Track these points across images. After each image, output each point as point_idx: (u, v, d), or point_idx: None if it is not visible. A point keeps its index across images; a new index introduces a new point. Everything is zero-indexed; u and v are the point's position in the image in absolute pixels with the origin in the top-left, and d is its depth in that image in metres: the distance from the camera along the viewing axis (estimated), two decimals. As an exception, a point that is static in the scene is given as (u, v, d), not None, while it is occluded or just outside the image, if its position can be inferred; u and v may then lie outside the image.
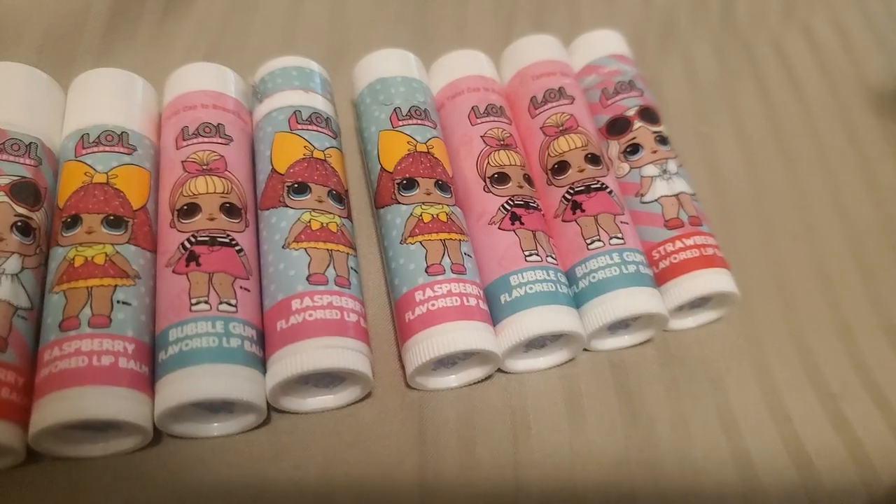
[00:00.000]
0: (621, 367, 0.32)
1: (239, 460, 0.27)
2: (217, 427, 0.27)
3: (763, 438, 0.31)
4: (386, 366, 0.30)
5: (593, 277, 0.30)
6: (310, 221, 0.29)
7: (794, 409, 0.32)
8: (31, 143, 0.29)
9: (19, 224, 0.27)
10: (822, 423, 0.32)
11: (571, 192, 0.33)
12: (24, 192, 0.28)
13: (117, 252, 0.27)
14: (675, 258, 0.32)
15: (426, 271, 0.29)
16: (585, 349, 0.32)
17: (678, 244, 0.32)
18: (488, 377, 0.30)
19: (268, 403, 0.27)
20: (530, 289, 0.29)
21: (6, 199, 0.27)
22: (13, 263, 0.26)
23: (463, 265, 0.29)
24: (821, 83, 0.45)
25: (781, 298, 0.36)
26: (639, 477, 0.29)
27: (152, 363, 0.26)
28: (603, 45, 0.39)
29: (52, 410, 0.24)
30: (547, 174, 0.34)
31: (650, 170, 0.34)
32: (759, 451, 0.31)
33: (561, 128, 0.34)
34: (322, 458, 0.28)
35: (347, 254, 0.29)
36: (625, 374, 0.32)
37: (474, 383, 0.30)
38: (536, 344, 0.30)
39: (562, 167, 0.33)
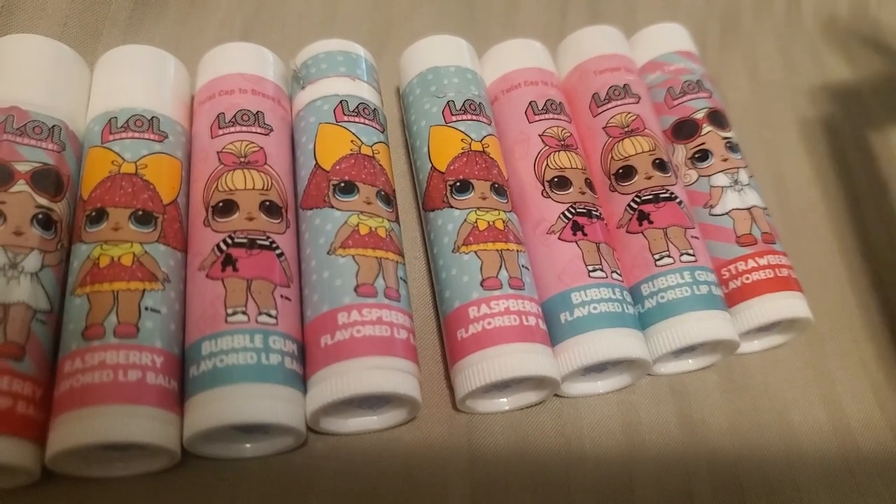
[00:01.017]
0: (683, 394, 0.30)
1: (272, 485, 0.25)
2: (250, 448, 0.25)
3: (835, 478, 0.29)
4: (431, 385, 0.28)
5: (662, 297, 0.28)
6: (358, 225, 0.26)
7: (865, 445, 0.30)
8: (54, 125, 0.26)
9: (40, 216, 0.25)
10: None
11: (638, 200, 0.30)
12: (47, 180, 0.25)
13: (146, 252, 0.25)
14: (748, 278, 0.29)
15: (481, 285, 0.26)
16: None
17: (751, 263, 0.30)
18: (542, 402, 0.28)
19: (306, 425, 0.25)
20: (594, 308, 0.27)
21: (27, 188, 0.25)
22: (33, 261, 0.24)
23: (521, 279, 0.27)
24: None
25: (850, 324, 0.33)
26: (703, 518, 0.27)
27: (181, 377, 0.24)
28: (668, 40, 0.36)
29: (73, 431, 0.22)
30: (610, 180, 0.31)
31: (720, 179, 0.32)
32: (830, 492, 0.28)
33: (626, 129, 0.32)
34: (362, 485, 0.26)
35: (397, 262, 0.27)
36: (687, 403, 0.29)
37: (527, 407, 0.28)
38: (596, 368, 0.28)
39: (627, 172, 0.31)
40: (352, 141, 0.28)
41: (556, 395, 0.28)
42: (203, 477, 0.25)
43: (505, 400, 0.28)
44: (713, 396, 0.30)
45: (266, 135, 0.28)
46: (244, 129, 0.28)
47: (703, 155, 0.32)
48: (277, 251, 0.26)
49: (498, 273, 0.27)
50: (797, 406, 0.30)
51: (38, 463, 0.22)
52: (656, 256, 0.29)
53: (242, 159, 0.27)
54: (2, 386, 0.22)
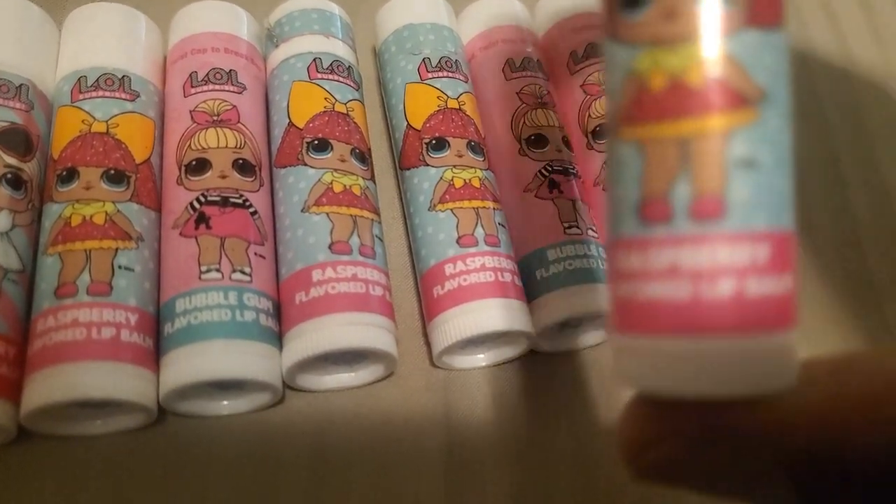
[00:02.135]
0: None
1: (250, 441, 0.25)
2: (227, 405, 0.25)
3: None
4: (409, 342, 0.28)
5: (637, 254, 0.28)
6: (332, 183, 0.26)
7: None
8: (21, 84, 0.26)
9: (9, 176, 0.24)
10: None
11: (614, 158, 0.30)
12: (15, 139, 0.25)
13: (118, 211, 0.25)
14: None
15: (457, 242, 0.26)
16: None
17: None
18: (519, 357, 0.28)
19: (283, 382, 0.25)
20: (569, 265, 0.27)
21: (-6, 147, 0.24)
22: (3, 220, 0.24)
23: (497, 236, 0.27)
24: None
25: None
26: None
27: (157, 335, 0.24)
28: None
29: (46, 388, 0.22)
30: (587, 137, 0.31)
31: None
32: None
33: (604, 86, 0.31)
34: (340, 440, 0.26)
35: (372, 220, 0.27)
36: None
37: (504, 363, 0.28)
38: (572, 323, 0.28)
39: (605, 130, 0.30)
40: (325, 98, 0.28)
41: (533, 351, 0.29)
42: (181, 434, 0.25)
43: (482, 356, 0.28)
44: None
45: (239, 93, 0.28)
46: (217, 87, 0.28)
47: (681, 112, 0.32)
48: (251, 209, 0.26)
49: (474, 230, 0.27)
50: None
51: (14, 421, 0.23)
52: (632, 213, 0.29)
53: (215, 118, 0.27)
54: (-26, 344, 0.22)
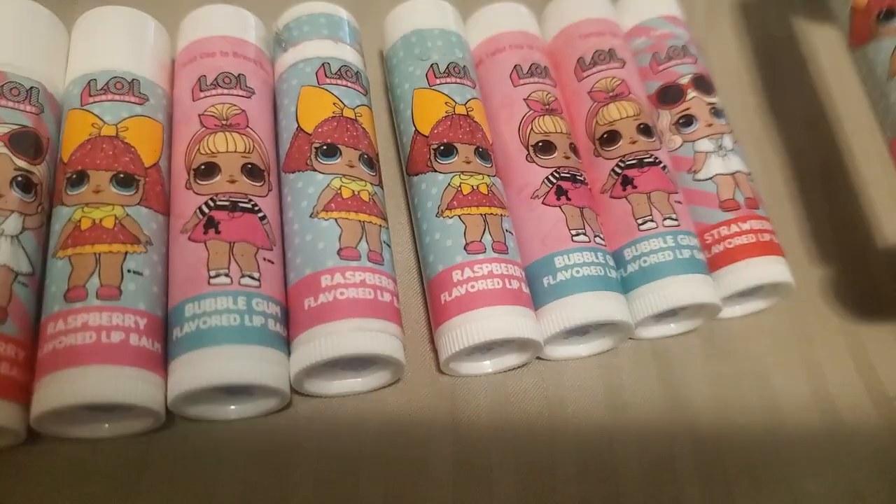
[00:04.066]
0: (665, 358, 0.30)
1: (257, 446, 0.25)
2: (235, 410, 0.25)
3: (812, 439, 0.29)
4: (415, 348, 0.28)
5: (644, 262, 0.28)
6: (340, 188, 0.26)
7: (847, 413, 0.30)
8: (31, 87, 0.26)
9: (20, 179, 0.24)
10: (877, 428, 0.30)
11: (622, 165, 0.30)
12: (25, 142, 0.25)
13: (127, 215, 0.25)
14: (731, 243, 0.30)
15: (465, 249, 0.26)
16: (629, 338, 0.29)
17: (734, 228, 0.30)
18: (525, 364, 0.28)
19: (291, 387, 0.25)
20: (577, 272, 0.27)
21: (5, 150, 0.24)
22: (13, 223, 0.24)
23: (505, 243, 0.27)
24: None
25: (834, 292, 0.34)
26: (685, 476, 0.27)
27: (165, 339, 0.24)
28: (654, 4, 0.36)
29: (56, 391, 0.22)
30: (594, 144, 0.31)
31: (705, 144, 0.32)
32: (807, 453, 0.29)
33: (611, 93, 0.31)
34: (346, 445, 0.26)
35: (380, 226, 0.27)
36: (669, 367, 0.30)
37: (510, 370, 0.28)
38: (579, 331, 0.28)
39: (612, 137, 0.31)
40: (334, 103, 0.28)
41: (539, 358, 0.29)
42: (188, 439, 0.25)
43: (488, 362, 0.28)
44: (695, 361, 0.30)
45: (248, 97, 0.28)
46: (225, 91, 0.28)
47: (687, 120, 0.32)
48: (260, 214, 0.26)
49: (482, 237, 0.27)
50: (778, 370, 0.31)
51: (24, 424, 0.23)
52: (639, 221, 0.29)
53: (224, 122, 0.27)
54: (-16, 347, 0.22)
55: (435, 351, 0.28)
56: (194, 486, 0.24)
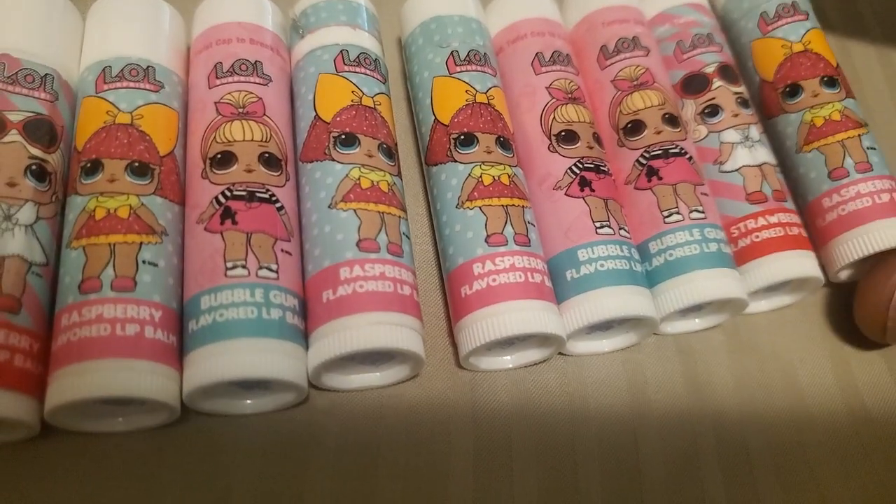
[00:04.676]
0: (689, 353, 0.29)
1: (274, 441, 0.25)
2: (251, 404, 0.25)
3: (840, 438, 0.28)
4: (433, 342, 0.28)
5: (670, 255, 0.27)
6: (359, 179, 0.26)
7: (876, 410, 0.29)
8: (46, 74, 0.26)
9: (34, 167, 0.24)
10: (906, 426, 0.29)
11: (647, 155, 0.29)
12: (40, 130, 0.25)
13: (142, 204, 0.24)
14: (758, 237, 0.29)
15: (486, 241, 0.26)
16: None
17: (761, 221, 0.29)
18: (546, 360, 0.28)
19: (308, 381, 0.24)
20: (601, 266, 0.26)
21: (19, 138, 0.24)
22: (27, 213, 0.23)
23: (527, 236, 0.26)
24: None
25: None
26: (709, 474, 0.27)
27: (180, 332, 0.24)
28: (678, -9, 0.35)
29: (71, 385, 0.21)
30: (618, 134, 0.30)
31: (731, 135, 0.31)
32: (835, 452, 0.28)
33: (635, 82, 0.31)
34: (364, 440, 0.25)
35: (399, 217, 0.26)
36: (693, 362, 0.29)
37: (531, 365, 0.28)
38: (602, 326, 0.27)
39: (636, 127, 0.30)
40: (353, 92, 0.27)
41: (560, 354, 0.28)
42: (204, 433, 0.25)
43: (509, 358, 0.27)
44: (719, 356, 0.29)
45: (265, 85, 0.27)
46: (242, 78, 0.27)
47: (713, 110, 0.31)
48: (277, 204, 0.25)
49: (503, 229, 0.26)
50: (804, 366, 0.30)
51: (37, 417, 0.22)
52: (665, 213, 0.28)
53: (241, 110, 0.26)
54: (-2, 339, 0.21)
55: (454, 345, 0.27)
56: (210, 480, 0.24)
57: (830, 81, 0.31)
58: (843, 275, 0.31)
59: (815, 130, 0.31)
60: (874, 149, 0.30)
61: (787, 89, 0.31)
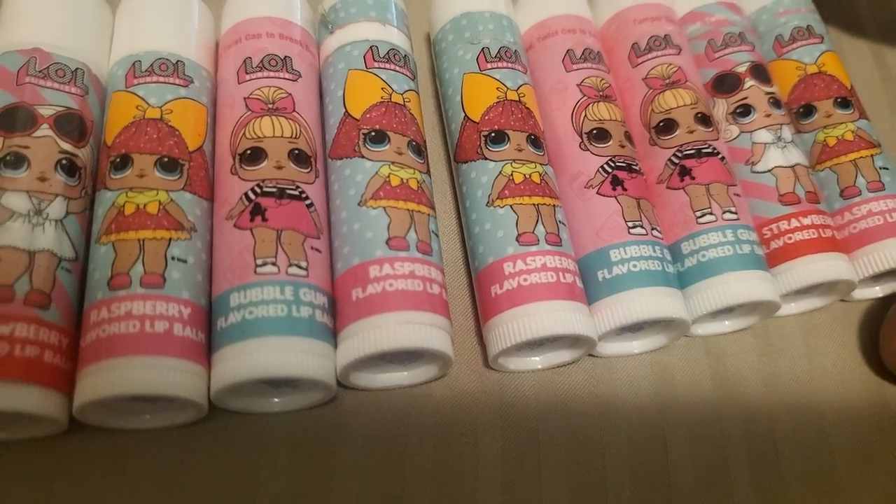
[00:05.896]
0: (719, 356, 0.29)
1: (301, 440, 0.25)
2: (278, 403, 0.25)
3: (874, 445, 0.28)
4: (461, 342, 0.27)
5: (703, 256, 0.27)
6: (389, 176, 0.25)
7: (909, 414, 0.29)
8: (77, 69, 0.25)
9: (64, 162, 0.24)
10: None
11: (679, 155, 0.29)
12: (70, 125, 0.24)
13: (172, 200, 0.24)
14: (790, 238, 0.28)
15: (517, 240, 0.25)
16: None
17: (794, 223, 0.29)
18: (575, 361, 0.27)
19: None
20: (633, 266, 0.26)
21: (51, 132, 0.24)
22: (57, 207, 0.23)
23: (558, 235, 0.26)
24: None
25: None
26: (739, 478, 0.26)
27: (208, 329, 0.23)
28: (710, -11, 0.34)
29: (100, 382, 0.21)
30: (650, 133, 0.30)
31: (763, 135, 0.30)
32: (868, 459, 0.28)
33: (667, 81, 0.30)
34: (392, 441, 0.25)
35: (429, 215, 0.26)
36: (723, 365, 0.29)
37: (560, 366, 0.27)
38: (632, 327, 0.27)
39: (668, 126, 0.29)
40: (382, 88, 0.27)
41: (589, 355, 0.28)
42: (231, 431, 0.25)
43: (538, 358, 0.27)
44: (749, 359, 0.29)
45: (294, 80, 0.27)
46: (272, 74, 0.27)
47: (745, 110, 0.31)
48: (307, 201, 0.25)
49: (534, 228, 0.26)
50: (835, 370, 0.29)
51: (66, 413, 0.22)
52: (698, 213, 0.28)
53: (270, 106, 0.26)
54: (28, 334, 0.21)
55: (482, 345, 0.27)
56: (237, 478, 0.24)
57: (844, 102, 0.31)
58: (857, 294, 0.30)
59: (828, 150, 0.31)
60: (887, 168, 0.30)
61: (801, 110, 0.32)
